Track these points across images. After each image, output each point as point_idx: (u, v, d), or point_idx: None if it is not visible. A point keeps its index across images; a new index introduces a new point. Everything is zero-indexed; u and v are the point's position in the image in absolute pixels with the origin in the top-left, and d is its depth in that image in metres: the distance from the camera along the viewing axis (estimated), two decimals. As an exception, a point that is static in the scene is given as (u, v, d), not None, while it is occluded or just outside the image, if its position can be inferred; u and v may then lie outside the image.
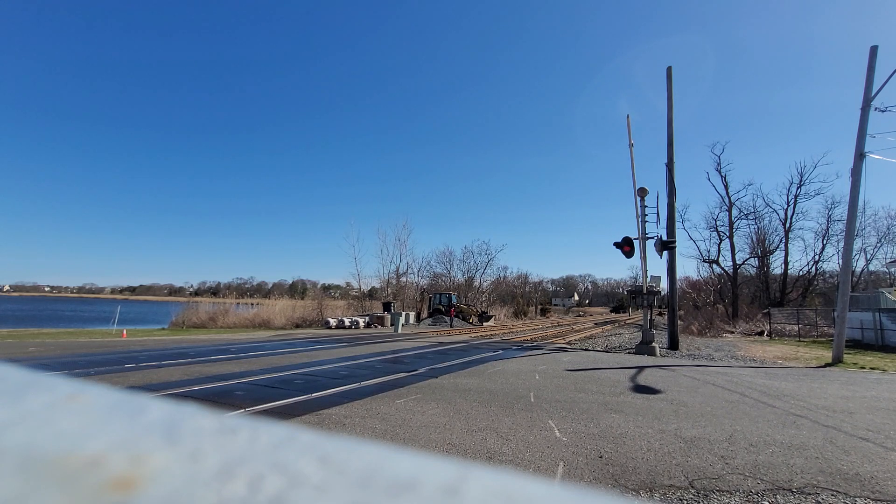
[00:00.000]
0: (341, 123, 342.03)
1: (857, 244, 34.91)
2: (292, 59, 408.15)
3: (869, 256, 36.97)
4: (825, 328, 23.95)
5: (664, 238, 15.97)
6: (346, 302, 39.86)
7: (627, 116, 16.42)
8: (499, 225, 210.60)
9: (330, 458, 0.26)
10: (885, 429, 5.40)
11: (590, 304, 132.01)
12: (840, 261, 17.92)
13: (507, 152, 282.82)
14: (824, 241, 36.02)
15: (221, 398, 6.23)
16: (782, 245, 37.20)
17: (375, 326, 27.42)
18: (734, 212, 37.80)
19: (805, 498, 3.41)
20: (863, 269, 37.17)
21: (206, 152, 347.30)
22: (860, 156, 12.99)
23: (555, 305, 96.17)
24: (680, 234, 34.04)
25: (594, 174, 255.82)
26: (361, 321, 26.87)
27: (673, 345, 16.69)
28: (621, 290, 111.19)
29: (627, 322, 45.82)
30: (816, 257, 36.52)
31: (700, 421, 5.55)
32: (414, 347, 14.64)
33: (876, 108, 13.13)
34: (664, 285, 17.69)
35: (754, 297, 38.26)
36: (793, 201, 35.98)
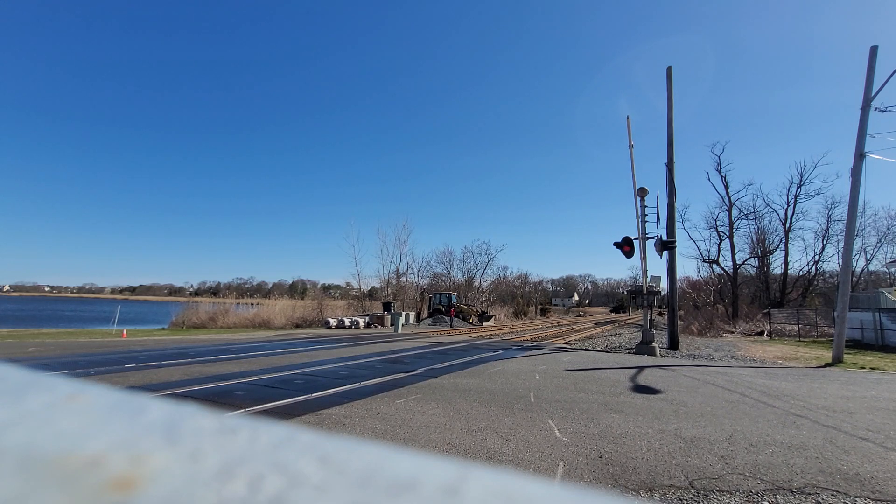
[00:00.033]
0: (341, 123, 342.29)
1: (857, 244, 34.97)
2: (292, 59, 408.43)
3: (869, 256, 37.03)
4: (825, 328, 23.95)
5: (664, 238, 15.97)
6: (346, 302, 39.86)
7: (627, 118, 16.43)
8: (499, 225, 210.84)
9: (330, 458, 0.26)
10: (885, 429, 5.40)
11: (590, 304, 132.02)
12: (840, 261, 17.92)
13: (507, 152, 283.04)
14: (824, 241, 36.07)
15: (221, 398, 6.23)
16: (782, 245, 37.24)
17: (375, 326, 27.42)
18: (734, 212, 37.85)
19: (805, 498, 3.41)
20: (863, 269, 37.20)
21: (206, 152, 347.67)
22: (860, 156, 12.99)
23: (555, 305, 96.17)
24: (680, 234, 34.08)
25: (594, 174, 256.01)
26: (361, 321, 26.88)
27: (673, 345, 16.69)
28: (621, 290, 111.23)
29: (627, 322, 45.82)
30: (816, 257, 36.57)
31: (700, 421, 5.56)
32: (414, 347, 14.64)
33: (876, 108, 13.13)
34: (664, 285, 17.70)
35: (754, 297, 38.26)
36: (793, 201, 36.03)
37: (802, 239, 55.48)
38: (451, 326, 29.19)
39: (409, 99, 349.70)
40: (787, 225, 36.38)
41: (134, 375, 8.08)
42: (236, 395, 6.49)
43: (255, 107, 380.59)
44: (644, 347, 14.61)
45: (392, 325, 26.07)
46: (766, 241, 38.21)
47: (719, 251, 39.11)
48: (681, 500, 3.35)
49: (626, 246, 15.80)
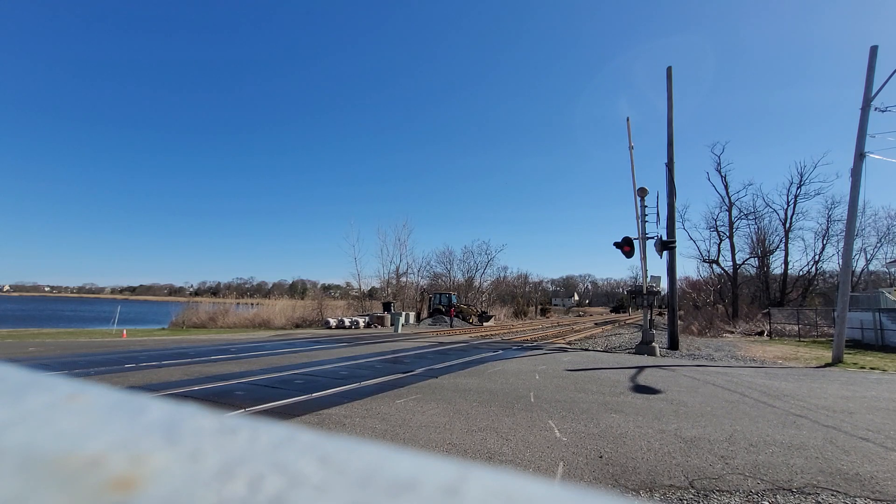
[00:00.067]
0: (341, 123, 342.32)
1: (857, 244, 34.97)
2: (292, 59, 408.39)
3: (869, 256, 37.03)
4: (825, 328, 23.95)
5: (664, 238, 15.97)
6: (346, 302, 39.86)
7: (627, 119, 16.44)
8: (499, 225, 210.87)
9: (330, 458, 0.26)
10: (885, 429, 5.40)
11: (590, 304, 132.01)
12: (840, 261, 17.92)
13: (507, 152, 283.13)
14: (824, 241, 36.07)
15: (221, 398, 6.23)
16: (782, 245, 37.24)
17: (375, 326, 27.42)
18: (734, 212, 37.86)
19: (805, 498, 3.41)
20: (863, 269, 37.20)
21: (206, 152, 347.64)
22: (860, 156, 12.99)
23: (555, 305, 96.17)
24: (680, 234, 34.08)
25: (594, 174, 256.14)
26: (361, 321, 26.88)
27: (673, 345, 16.69)
28: (621, 290, 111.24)
29: (627, 322, 45.82)
30: (816, 257, 36.58)
31: (700, 421, 5.56)
32: (414, 347, 14.64)
33: (876, 108, 13.13)
34: (664, 285, 17.70)
35: (754, 297, 38.26)
36: (793, 201, 36.03)
37: (802, 239, 55.58)
38: (451, 326, 29.19)
39: (409, 99, 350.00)
40: (787, 225, 36.41)
41: (134, 375, 8.08)
42: (236, 395, 6.49)
43: (255, 107, 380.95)
44: (644, 347, 14.61)
45: (392, 325, 26.06)
46: (766, 241, 38.25)
47: (719, 251, 39.16)
48: (681, 500, 3.35)
49: (626, 246, 15.80)
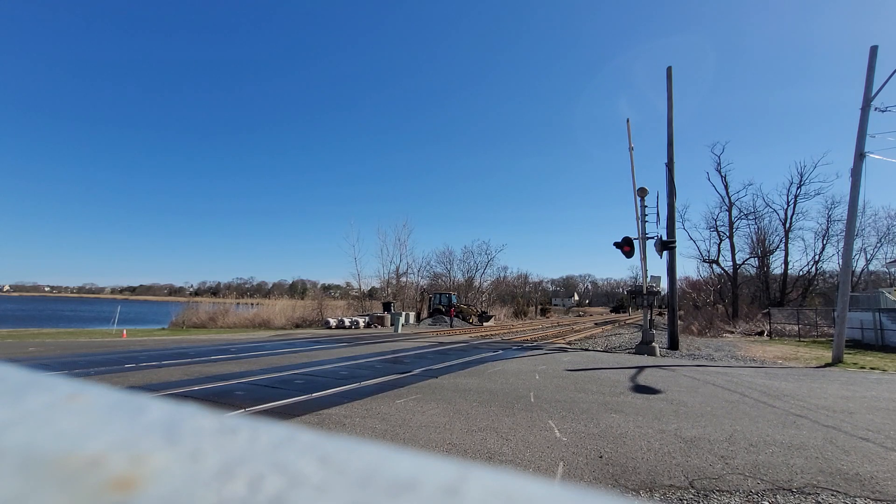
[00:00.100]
0: (341, 123, 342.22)
1: (857, 244, 34.98)
2: (292, 59, 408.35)
3: (869, 256, 37.04)
4: (825, 328, 23.95)
5: (664, 238, 15.97)
6: (346, 302, 39.86)
7: (627, 121, 16.44)
8: (499, 225, 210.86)
9: (330, 458, 0.26)
10: (885, 429, 5.40)
11: (590, 304, 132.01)
12: (840, 261, 17.92)
13: (507, 152, 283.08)
14: (824, 241, 36.07)
15: (221, 398, 6.23)
16: (782, 245, 37.25)
17: (375, 326, 27.42)
18: (734, 212, 37.86)
19: (805, 498, 3.41)
20: (863, 269, 37.20)
21: (206, 152, 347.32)
22: (860, 156, 12.99)
23: (555, 305, 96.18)
24: (680, 234, 34.08)
25: (594, 174, 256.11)
26: (361, 321, 26.88)
27: (673, 345, 16.69)
28: (621, 290, 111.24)
29: (627, 322, 45.82)
30: (816, 257, 36.58)
31: (700, 421, 5.56)
32: (414, 347, 14.64)
33: (876, 108, 13.13)
34: (664, 285, 17.70)
35: (754, 297, 38.26)
36: (793, 201, 36.03)
37: (802, 239, 55.56)
38: (451, 326, 29.19)
39: (409, 99, 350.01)
40: (787, 225, 36.42)
41: (134, 375, 8.08)
42: (236, 395, 6.49)
43: (255, 107, 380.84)
44: (644, 347, 14.61)
45: (392, 325, 26.07)
46: (766, 241, 38.25)
47: (719, 251, 39.17)
48: (681, 500, 3.35)
49: (626, 246, 15.79)
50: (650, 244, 16.05)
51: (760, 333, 25.84)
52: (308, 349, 13.29)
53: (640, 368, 10.47)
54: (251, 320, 30.31)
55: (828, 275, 39.03)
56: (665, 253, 16.29)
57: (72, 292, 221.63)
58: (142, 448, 0.26)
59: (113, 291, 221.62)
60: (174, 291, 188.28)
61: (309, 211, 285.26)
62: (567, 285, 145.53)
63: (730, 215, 37.81)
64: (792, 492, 3.51)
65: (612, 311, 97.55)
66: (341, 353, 12.46)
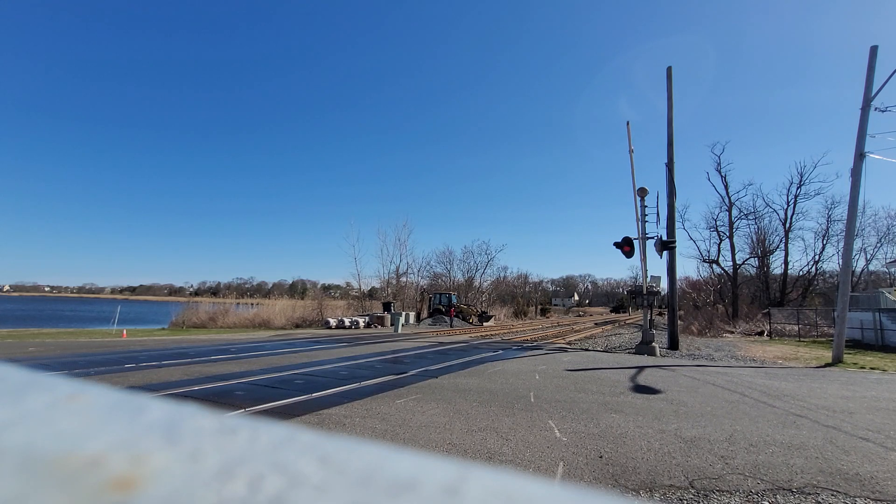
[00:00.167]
0: (341, 123, 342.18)
1: (857, 244, 34.98)
2: (292, 59, 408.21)
3: (869, 256, 37.03)
4: (825, 328, 23.95)
5: (664, 238, 15.97)
6: (346, 302, 39.86)
7: (627, 124, 16.44)
8: (499, 225, 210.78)
9: (330, 458, 0.26)
10: (886, 429, 5.40)
11: (590, 304, 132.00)
12: (840, 261, 17.92)
13: (507, 152, 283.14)
14: (824, 241, 36.08)
15: (221, 398, 6.23)
16: (782, 245, 37.25)
17: (375, 326, 27.42)
18: (734, 212, 37.88)
19: (805, 498, 3.41)
20: (863, 269, 37.20)
21: (206, 152, 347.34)
22: (860, 156, 12.99)
23: (555, 305, 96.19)
24: (680, 234, 34.09)
25: (594, 174, 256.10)
26: (361, 321, 26.88)
27: (673, 345, 16.69)
28: (621, 290, 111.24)
29: (627, 322, 45.82)
30: (816, 257, 36.58)
31: (700, 421, 5.56)
32: (414, 347, 14.64)
33: (876, 108, 13.13)
34: (664, 285, 17.71)
35: (754, 297, 38.26)
36: (793, 201, 36.04)
37: (802, 239, 55.51)
38: (451, 326, 29.19)
39: (409, 99, 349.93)
40: (787, 225, 36.42)
41: (134, 375, 8.08)
42: (236, 395, 6.49)
43: (255, 107, 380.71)
44: (644, 347, 14.61)
45: (392, 325, 26.07)
46: (766, 241, 38.26)
47: (719, 251, 39.18)
48: (681, 500, 3.35)
49: (626, 246, 15.80)
50: (650, 244, 16.06)
51: (760, 333, 25.84)
52: (308, 349, 13.29)
53: (640, 368, 10.47)
54: (251, 320, 30.31)
55: (828, 275, 39.05)
56: (665, 253, 16.29)
57: (72, 292, 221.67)
58: (142, 448, 0.26)
59: (113, 291, 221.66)
60: (174, 291, 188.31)
61: (309, 211, 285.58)
62: (567, 285, 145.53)
63: (730, 215, 37.86)
64: (792, 492, 3.51)
65: (612, 311, 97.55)
66: (341, 353, 12.46)
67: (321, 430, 0.30)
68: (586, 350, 15.69)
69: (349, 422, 5.19)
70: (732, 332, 27.04)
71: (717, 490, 3.51)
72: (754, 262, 39.27)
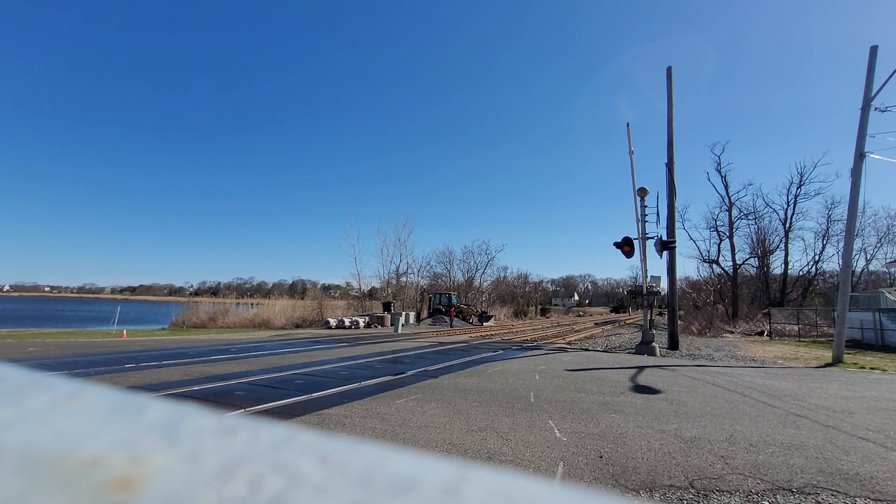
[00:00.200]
0: (341, 123, 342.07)
1: (857, 244, 34.97)
2: (292, 59, 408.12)
3: (869, 256, 37.02)
4: (825, 328, 23.95)
5: (664, 238, 15.97)
6: (346, 302, 39.86)
7: (628, 125, 16.45)
8: (499, 225, 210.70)
9: (330, 458, 0.26)
10: (886, 429, 5.40)
11: (590, 304, 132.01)
12: (840, 261, 17.92)
13: (508, 152, 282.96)
14: (824, 241, 36.08)
15: (221, 398, 6.23)
16: (782, 245, 37.25)
17: (375, 326, 27.42)
18: (734, 212, 37.87)
19: (805, 498, 3.41)
20: (863, 269, 37.19)
21: (206, 152, 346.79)
22: (860, 156, 12.99)
23: (555, 305, 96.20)
24: (680, 234, 34.09)
25: (594, 174, 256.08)
26: (361, 321, 26.88)
27: (673, 345, 16.69)
28: (621, 290, 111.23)
29: (627, 322, 45.82)
30: (816, 257, 36.58)
31: (700, 421, 5.56)
32: (414, 347, 14.64)
33: (876, 108, 13.13)
34: (664, 285, 17.71)
35: (754, 297, 38.27)
36: (793, 201, 36.04)
37: (802, 239, 55.43)
38: (451, 326, 29.19)
39: (409, 99, 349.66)
40: (787, 225, 36.42)
41: (134, 375, 8.08)
42: (236, 395, 6.49)
43: (255, 107, 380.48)
44: (644, 347, 14.61)
45: (392, 325, 26.07)
46: (766, 241, 38.26)
47: (719, 251, 39.18)
48: (681, 500, 3.35)
49: (626, 246, 15.80)
50: (650, 244, 16.06)
51: (760, 333, 25.84)
52: (308, 349, 13.29)
53: (640, 368, 10.47)
54: (251, 320, 30.32)
55: (828, 275, 39.05)
56: (665, 253, 16.29)
57: (72, 292, 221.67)
58: (142, 448, 0.26)
59: (113, 291, 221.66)
60: (174, 291, 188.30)
61: (309, 211, 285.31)
62: (567, 285, 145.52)
63: (730, 215, 37.86)
64: (792, 492, 3.51)
65: (612, 311, 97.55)
66: (341, 353, 12.46)
67: (321, 430, 0.30)
68: (586, 350, 15.68)
69: (349, 422, 5.19)
70: (732, 332, 27.05)
71: (717, 490, 3.51)
72: (754, 262, 39.31)
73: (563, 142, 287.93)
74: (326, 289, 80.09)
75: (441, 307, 33.44)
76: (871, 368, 11.83)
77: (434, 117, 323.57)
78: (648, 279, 15.90)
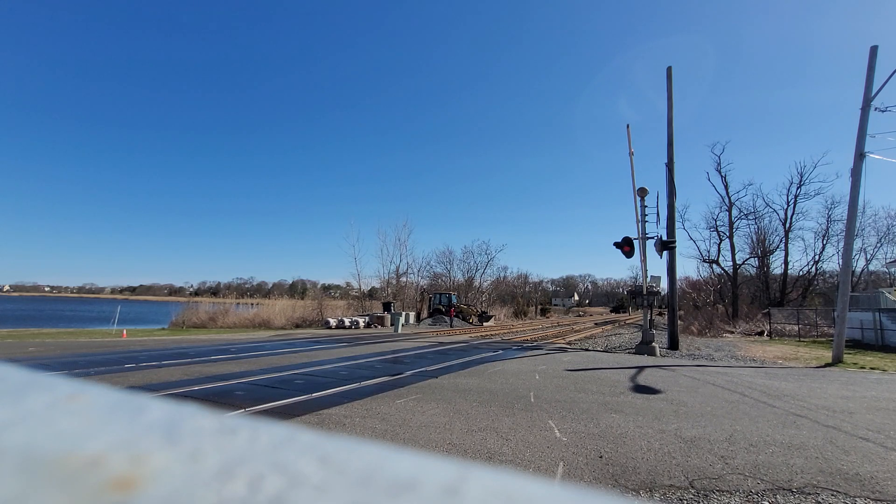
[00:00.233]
0: (341, 123, 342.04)
1: (857, 244, 34.97)
2: (292, 59, 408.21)
3: (869, 256, 37.02)
4: (825, 328, 23.95)
5: (664, 238, 15.97)
6: (346, 302, 39.86)
7: (628, 127, 16.44)
8: (499, 225, 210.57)
9: (330, 458, 0.26)
10: (886, 429, 5.40)
11: (590, 304, 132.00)
12: (840, 261, 17.92)
13: (507, 152, 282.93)
14: (824, 241, 36.08)
15: (221, 398, 6.23)
16: (782, 245, 37.25)
17: (375, 326, 27.42)
18: (734, 212, 37.88)
19: (805, 498, 3.41)
20: (863, 269, 37.19)
21: (206, 152, 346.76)
22: (860, 156, 12.99)
23: (555, 305, 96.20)
24: (680, 234, 34.09)
25: (594, 174, 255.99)
26: (361, 321, 26.88)
27: (673, 345, 16.69)
28: (621, 290, 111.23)
29: (627, 322, 45.82)
30: (816, 257, 36.58)
31: (700, 421, 5.56)
32: (414, 347, 14.64)
33: (876, 108, 13.13)
34: (664, 285, 17.71)
35: (754, 297, 38.26)
36: (793, 201, 36.04)
37: (802, 239, 55.42)
38: (451, 326, 29.19)
39: (408, 99, 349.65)
40: (787, 225, 36.42)
41: (134, 375, 8.08)
42: (236, 395, 6.49)
43: (254, 107, 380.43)
44: (644, 347, 14.61)
45: (392, 325, 26.07)
46: (766, 241, 38.26)
47: (719, 251, 39.18)
48: (681, 500, 3.35)
49: (626, 246, 15.79)
50: (650, 244, 16.06)
51: (760, 333, 25.84)
52: (308, 349, 13.29)
53: (640, 368, 10.47)
54: (251, 320, 30.32)
55: (828, 275, 39.05)
56: (665, 253, 16.29)
57: (72, 292, 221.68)
58: (142, 448, 0.26)
59: (113, 291, 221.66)
60: (174, 291, 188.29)
61: (309, 211, 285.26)
62: (567, 285, 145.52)
63: (730, 215, 37.86)
64: (792, 492, 3.51)
65: (612, 311, 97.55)
66: (341, 353, 12.46)
67: (321, 430, 0.30)
68: (586, 350, 15.68)
69: (349, 422, 5.19)
70: (732, 332, 27.05)
71: (717, 490, 3.51)
72: (754, 262, 39.31)
73: (563, 142, 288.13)
74: (326, 289, 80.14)
75: (441, 307, 33.44)
76: (871, 368, 11.83)
77: (434, 117, 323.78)
78: (648, 279, 15.90)
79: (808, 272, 37.20)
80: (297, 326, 28.63)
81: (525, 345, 17.02)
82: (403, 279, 40.03)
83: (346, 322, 25.98)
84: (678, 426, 5.29)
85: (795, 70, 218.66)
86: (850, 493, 3.50)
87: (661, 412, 5.97)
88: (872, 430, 5.34)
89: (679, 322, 21.42)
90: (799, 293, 36.41)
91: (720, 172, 37.70)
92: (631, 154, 16.27)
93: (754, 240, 38.96)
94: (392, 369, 9.35)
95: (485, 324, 33.45)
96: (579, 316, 74.92)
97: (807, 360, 13.84)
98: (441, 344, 16.36)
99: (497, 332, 25.75)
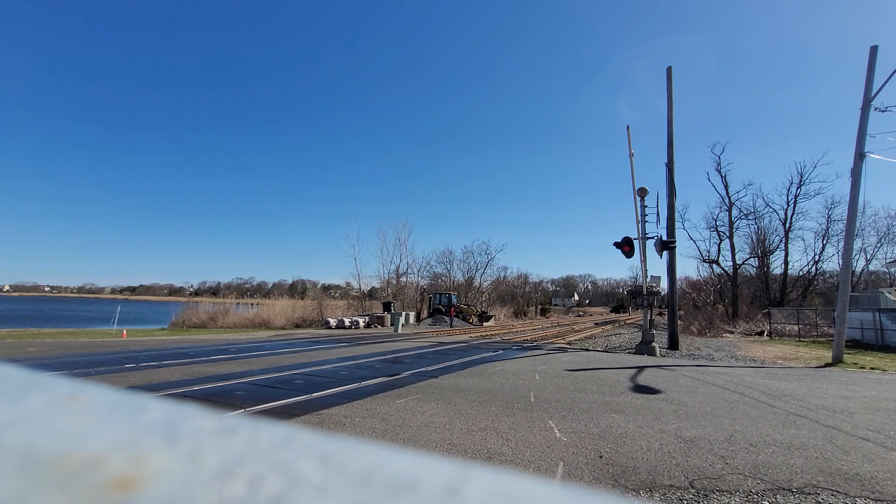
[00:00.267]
0: (341, 123, 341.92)
1: (857, 244, 34.97)
2: (292, 59, 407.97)
3: (869, 256, 37.02)
4: (825, 328, 23.95)
5: (664, 238, 15.97)
6: (346, 302, 39.86)
7: (628, 128, 16.44)
8: (499, 225, 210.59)
9: (330, 458, 0.26)
10: (886, 429, 5.40)
11: (590, 304, 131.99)
12: (840, 261, 17.93)
13: (507, 152, 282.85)
14: (824, 241, 36.08)
15: (221, 398, 6.23)
16: (782, 245, 37.26)
17: (375, 326, 27.42)
18: (734, 212, 37.88)
19: (805, 498, 3.41)
20: (863, 269, 37.19)
21: (206, 152, 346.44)
22: (860, 156, 12.99)
23: (555, 305, 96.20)
24: (680, 234, 34.09)
25: (594, 174, 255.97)
26: (361, 321, 26.88)
27: (673, 345, 16.69)
28: (621, 290, 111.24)
29: (627, 322, 45.82)
30: (816, 257, 36.59)
31: (700, 421, 5.56)
32: (414, 347, 14.64)
33: (876, 108, 13.13)
34: (664, 285, 17.71)
35: (754, 297, 38.26)
36: (793, 201, 36.04)
37: (802, 239, 55.40)
38: (451, 326, 29.19)
39: (409, 99, 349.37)
40: (787, 225, 36.43)
41: (134, 375, 8.08)
42: (236, 395, 6.49)
43: (254, 107, 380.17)
44: (644, 347, 14.61)
45: (392, 325, 26.07)
46: (766, 241, 38.26)
47: (719, 251, 39.18)
48: (681, 500, 3.35)
49: (625, 246, 15.80)
50: (650, 244, 16.06)
51: (760, 333, 25.84)
52: (308, 349, 13.29)
53: (640, 368, 10.47)
54: (251, 320, 30.32)
55: (828, 275, 39.05)
56: (665, 253, 16.29)
57: (72, 292, 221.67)
58: (142, 448, 0.26)
59: (113, 291, 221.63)
60: (174, 291, 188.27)
61: (309, 211, 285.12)
62: (567, 285, 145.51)
63: (730, 215, 37.86)
64: (792, 492, 3.51)
65: (612, 311, 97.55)
66: (341, 353, 12.46)
67: (321, 430, 0.30)
68: (586, 350, 15.68)
69: (349, 422, 5.19)
70: (732, 332, 27.05)
71: (717, 490, 3.51)
72: (754, 262, 39.31)
73: (562, 142, 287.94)
74: (326, 289, 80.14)
75: (441, 307, 33.45)
76: (871, 368, 11.83)
77: (434, 117, 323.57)
78: (648, 279, 15.90)
79: (808, 272, 37.22)
80: (297, 326, 28.63)
81: (525, 345, 17.02)
82: (403, 279, 40.06)
83: (346, 322, 25.99)
84: (678, 426, 5.29)
85: (795, 70, 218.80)
86: (850, 493, 3.50)
87: (661, 412, 5.97)
88: (872, 430, 5.34)
89: (679, 322, 21.42)
90: (799, 293, 36.41)
91: (720, 172, 37.75)
92: (631, 155, 16.28)
93: (754, 240, 39.01)
94: (392, 369, 9.35)
95: (485, 324, 33.45)
96: (579, 316, 74.91)
97: (807, 360, 13.84)
98: (441, 344, 16.36)
99: (497, 332, 25.75)
